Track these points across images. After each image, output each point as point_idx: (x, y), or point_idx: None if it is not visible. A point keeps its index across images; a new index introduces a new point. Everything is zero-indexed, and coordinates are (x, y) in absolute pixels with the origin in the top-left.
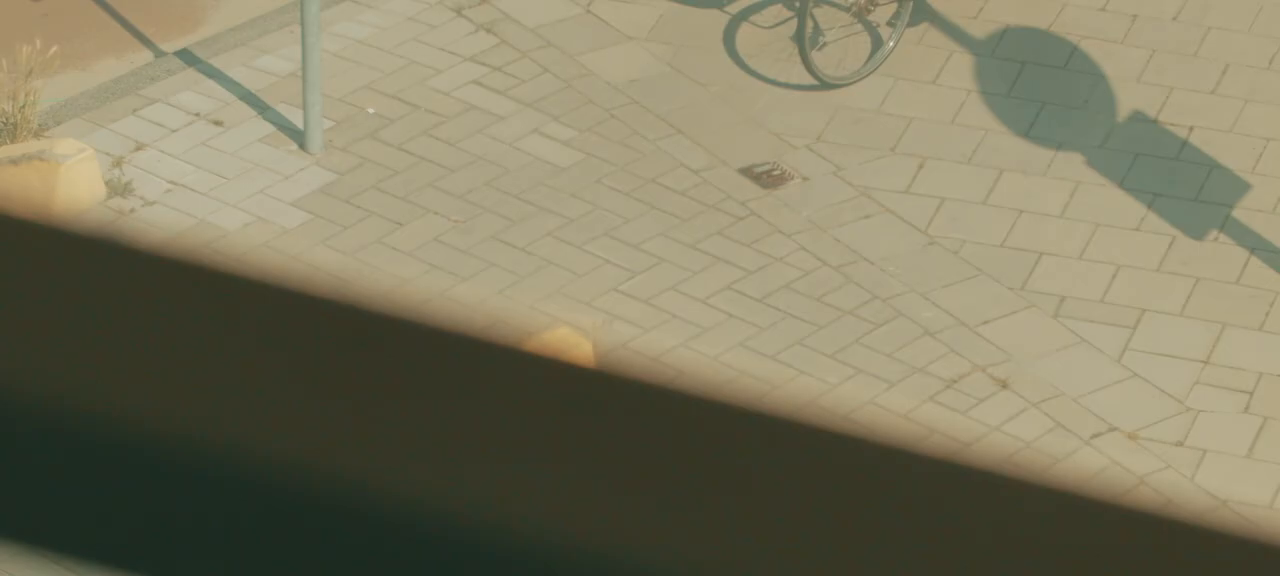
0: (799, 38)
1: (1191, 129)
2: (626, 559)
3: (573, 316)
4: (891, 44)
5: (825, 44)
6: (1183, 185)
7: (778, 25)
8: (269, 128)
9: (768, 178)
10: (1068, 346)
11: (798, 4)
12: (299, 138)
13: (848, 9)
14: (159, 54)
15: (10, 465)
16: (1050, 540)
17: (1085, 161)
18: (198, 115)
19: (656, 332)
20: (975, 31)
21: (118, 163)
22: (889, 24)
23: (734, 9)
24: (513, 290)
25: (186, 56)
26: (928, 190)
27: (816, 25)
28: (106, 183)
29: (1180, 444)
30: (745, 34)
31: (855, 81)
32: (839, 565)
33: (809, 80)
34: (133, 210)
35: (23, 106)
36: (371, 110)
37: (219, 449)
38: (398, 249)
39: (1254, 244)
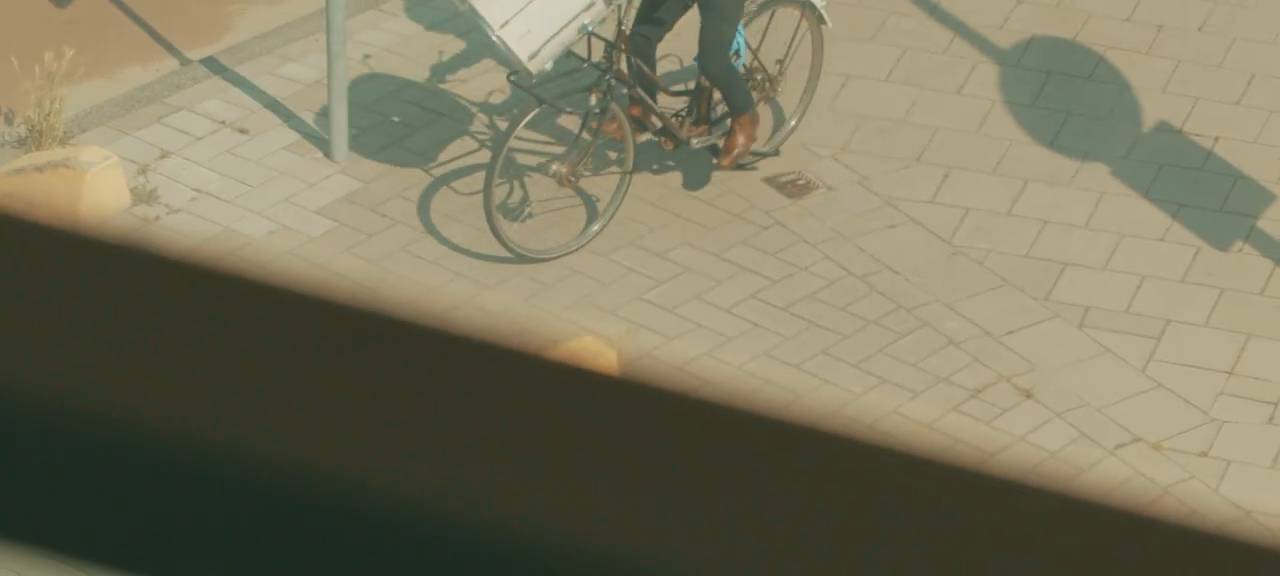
0: (485, 202)
1: (1217, 140)
2: (646, 564)
3: (597, 325)
4: (606, 218)
5: (527, 214)
6: (1208, 196)
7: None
8: (294, 135)
9: (792, 187)
10: (1092, 356)
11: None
12: (324, 145)
13: (553, 177)
14: (184, 62)
15: (28, 467)
16: (1074, 549)
17: (1110, 172)
18: (223, 123)
19: (681, 341)
20: (1000, 41)
21: (143, 170)
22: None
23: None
24: (537, 299)
25: (212, 64)
26: (953, 200)
27: (522, 192)
28: (131, 190)
29: (1204, 454)
30: (771, 45)
31: (556, 256)
32: (863, 574)
33: (836, 89)
34: (158, 217)
35: (48, 114)
36: (397, 119)
37: (238, 455)
38: (422, 257)
39: (1279, 255)
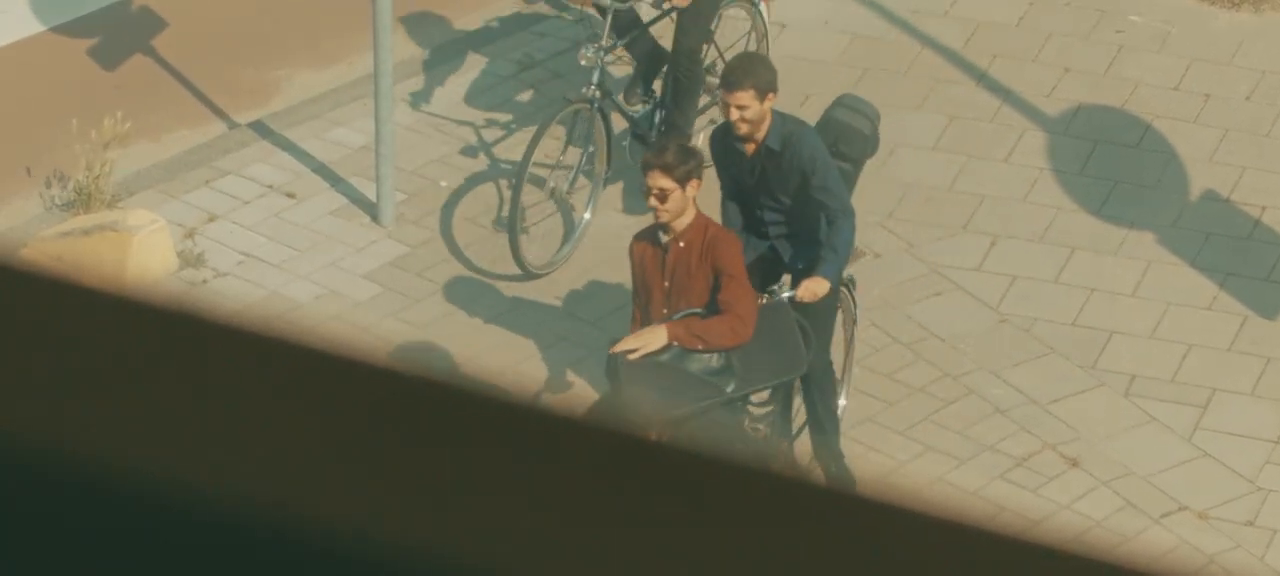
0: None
1: (1264, 209)
2: None
3: None
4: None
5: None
6: (1255, 265)
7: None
8: (341, 200)
9: None
10: (1138, 425)
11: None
12: (371, 210)
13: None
14: (232, 126)
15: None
16: None
17: (1157, 240)
18: (270, 187)
19: None
20: (1048, 110)
21: (190, 234)
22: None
23: (805, 88)
24: (584, 364)
25: (259, 128)
26: (999, 268)
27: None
28: (178, 254)
29: (1251, 524)
30: (816, 110)
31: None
32: None
33: (883, 157)
34: (205, 281)
35: (97, 176)
36: (444, 183)
37: (283, 517)
38: (468, 322)
39: None
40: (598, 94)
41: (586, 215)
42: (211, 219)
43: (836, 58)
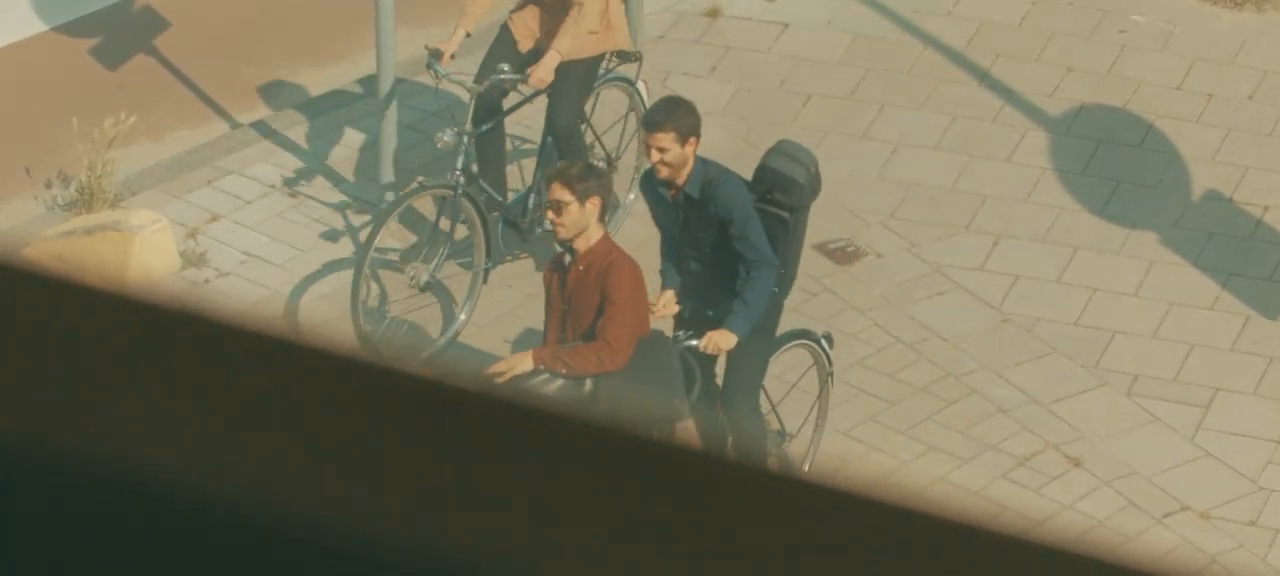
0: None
1: (1266, 209)
2: None
3: None
4: (463, 317)
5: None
6: (1257, 265)
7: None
8: (344, 200)
9: (841, 254)
10: (1140, 425)
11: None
12: (374, 210)
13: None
14: (234, 125)
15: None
16: None
17: (1160, 240)
18: (273, 187)
19: None
20: (1050, 109)
21: (192, 233)
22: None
23: (807, 89)
24: None
25: (262, 128)
26: (1002, 268)
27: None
28: (181, 253)
29: (1253, 524)
30: (818, 110)
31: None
32: None
33: (885, 157)
34: (207, 281)
35: (99, 176)
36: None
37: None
38: (473, 322)
39: None
40: (462, 179)
41: (462, 316)
42: (214, 218)
43: (839, 58)
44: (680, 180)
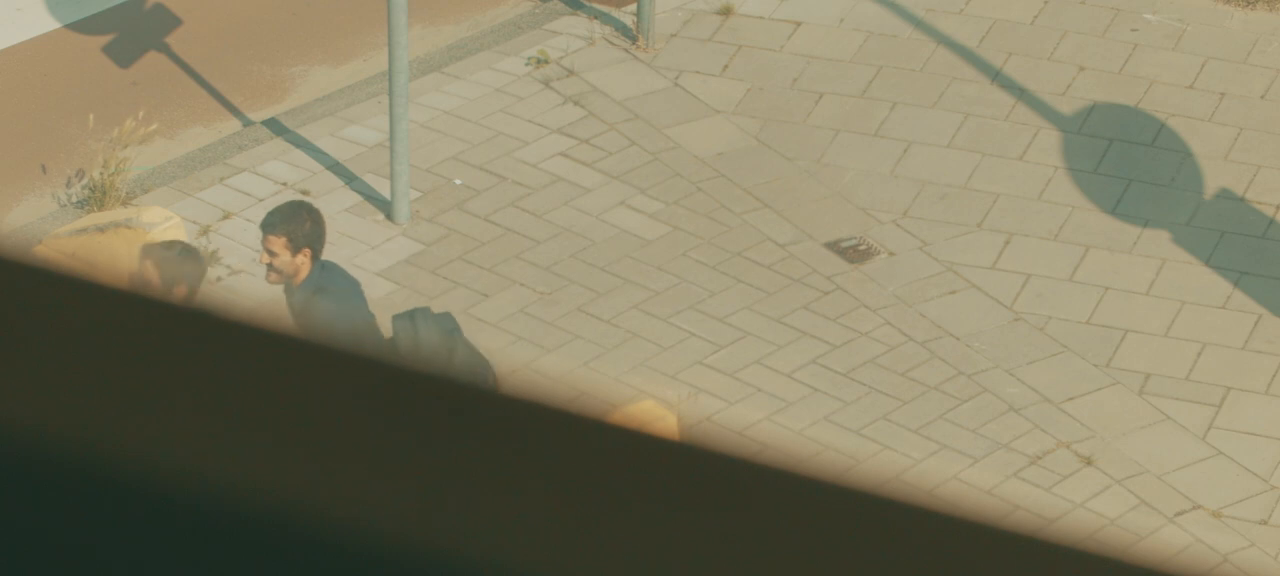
0: None
1: (1278, 208)
2: None
3: (657, 389)
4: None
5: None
6: (1269, 264)
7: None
8: (356, 198)
9: (853, 252)
10: (1152, 424)
11: None
12: (386, 208)
13: None
14: (247, 123)
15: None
16: None
17: (1172, 239)
18: (285, 184)
19: (741, 406)
20: (1063, 108)
21: (205, 231)
22: None
23: (819, 87)
24: (598, 362)
25: (274, 126)
26: (1014, 266)
27: None
28: None
29: (1264, 522)
30: (831, 109)
31: None
32: None
33: (897, 155)
34: (219, 279)
35: (112, 174)
36: (458, 181)
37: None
38: (483, 320)
39: None
40: None
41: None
42: (226, 216)
43: (851, 56)
44: (295, 286)
